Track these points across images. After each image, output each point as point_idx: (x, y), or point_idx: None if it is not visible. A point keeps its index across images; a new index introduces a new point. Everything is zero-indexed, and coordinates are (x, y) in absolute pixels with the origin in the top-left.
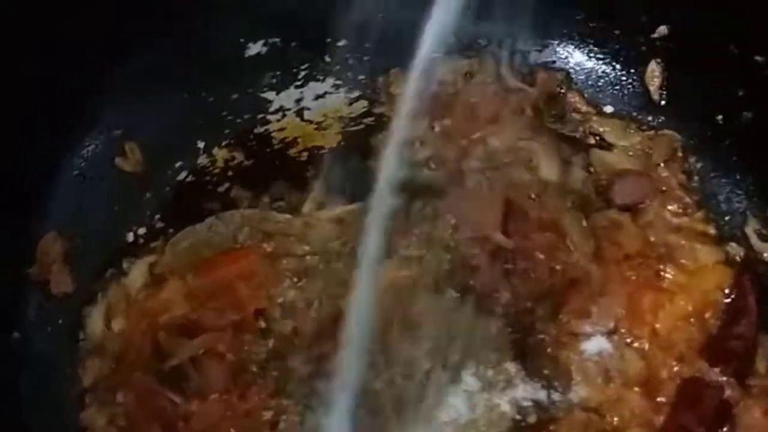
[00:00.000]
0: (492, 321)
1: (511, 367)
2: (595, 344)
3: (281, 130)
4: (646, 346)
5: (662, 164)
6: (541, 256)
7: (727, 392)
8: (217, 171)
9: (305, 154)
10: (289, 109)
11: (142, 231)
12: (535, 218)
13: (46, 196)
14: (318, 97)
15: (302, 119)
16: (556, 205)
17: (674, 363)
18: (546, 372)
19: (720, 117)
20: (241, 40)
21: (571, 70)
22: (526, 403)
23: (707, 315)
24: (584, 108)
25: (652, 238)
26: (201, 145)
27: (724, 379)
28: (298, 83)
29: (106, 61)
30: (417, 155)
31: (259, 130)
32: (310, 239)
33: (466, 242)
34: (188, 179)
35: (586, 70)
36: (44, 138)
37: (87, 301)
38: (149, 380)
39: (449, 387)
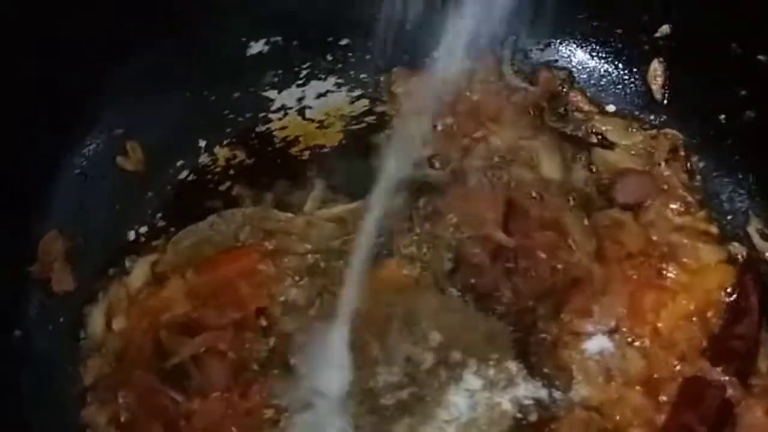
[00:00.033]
0: (493, 320)
1: (513, 365)
2: (597, 343)
3: (283, 128)
4: (648, 345)
5: (664, 163)
6: (543, 255)
7: (729, 392)
8: (218, 170)
9: (307, 152)
10: (290, 108)
11: (143, 230)
12: (537, 217)
13: (47, 195)
14: (320, 95)
15: (304, 118)
16: (557, 204)
17: (676, 362)
18: (547, 371)
19: (722, 116)
20: (243, 39)
21: (573, 69)
22: (527, 402)
23: (709, 314)
24: (586, 107)
25: (654, 237)
26: (202, 143)
27: (726, 378)
28: (300, 82)
29: (106, 61)
30: (419, 154)
31: (261, 128)
32: (312, 238)
33: (468, 241)
34: (190, 178)
35: (588, 69)
36: (45, 137)
37: (88, 300)
38: (150, 379)
39: (450, 385)
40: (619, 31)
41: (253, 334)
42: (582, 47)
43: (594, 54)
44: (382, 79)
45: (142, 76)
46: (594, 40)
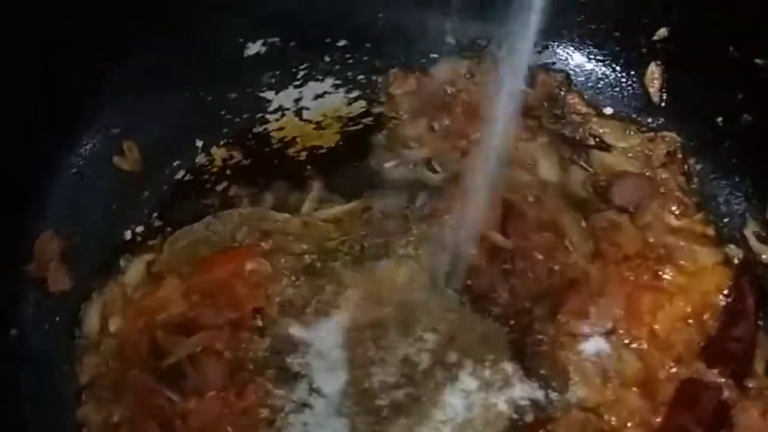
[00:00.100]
0: (490, 321)
1: (509, 366)
2: (594, 345)
3: (280, 129)
4: (645, 347)
5: (662, 166)
6: (540, 257)
7: (725, 393)
8: (215, 170)
9: (304, 153)
10: (288, 109)
11: (140, 229)
12: (534, 218)
13: (43, 194)
14: (317, 96)
15: (301, 119)
16: (555, 206)
17: (672, 364)
18: (543, 372)
19: (719, 119)
20: (241, 39)
21: (571, 72)
22: (523, 403)
23: (706, 316)
24: (584, 109)
25: (651, 239)
26: (199, 144)
27: (722, 380)
28: (297, 83)
29: (105, 61)
30: (416, 155)
31: (258, 129)
32: (308, 238)
33: (465, 242)
34: (186, 178)
35: (586, 72)
36: (43, 137)
37: (84, 299)
38: (146, 378)
39: (446, 386)
40: (617, 33)
41: (250, 334)
42: (579, 50)
43: (591, 56)
44: (379, 80)
45: (142, 76)
46: (591, 43)
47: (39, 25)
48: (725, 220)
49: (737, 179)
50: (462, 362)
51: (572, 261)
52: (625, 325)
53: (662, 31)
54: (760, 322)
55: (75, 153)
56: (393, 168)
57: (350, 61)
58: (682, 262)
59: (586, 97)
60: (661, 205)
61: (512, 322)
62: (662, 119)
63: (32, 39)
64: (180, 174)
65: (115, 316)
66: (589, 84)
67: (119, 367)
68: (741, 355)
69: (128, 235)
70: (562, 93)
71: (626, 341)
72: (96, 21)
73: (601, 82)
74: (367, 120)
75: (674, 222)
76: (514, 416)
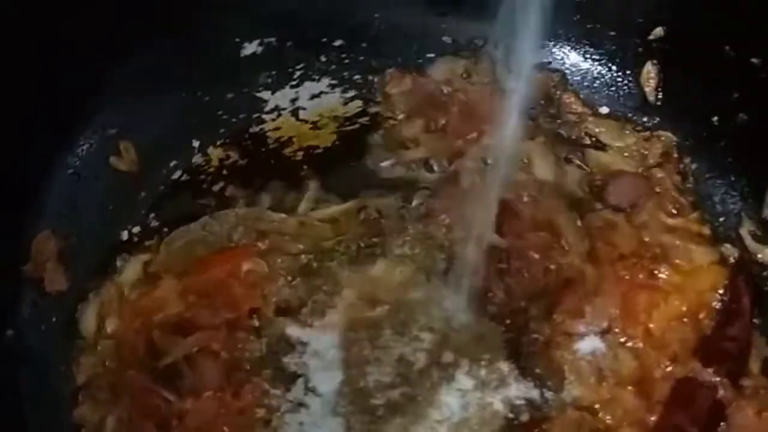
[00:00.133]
0: (485, 320)
1: (505, 366)
2: (589, 344)
3: (276, 129)
4: (640, 346)
5: (657, 165)
6: (536, 256)
7: (721, 392)
8: (211, 170)
9: (300, 153)
10: (284, 109)
11: (136, 230)
12: (530, 218)
13: (40, 194)
14: (313, 96)
15: (297, 119)
16: (550, 205)
17: (668, 363)
18: (539, 371)
19: (715, 118)
20: (237, 39)
21: (566, 71)
22: (518, 402)
23: (701, 315)
24: (580, 109)
25: (646, 239)
26: (196, 144)
27: (718, 379)
28: (294, 83)
29: (105, 61)
30: (413, 155)
31: (255, 129)
32: (305, 238)
33: (461, 241)
34: (183, 178)
35: (581, 71)
36: (41, 137)
37: (81, 299)
38: (143, 378)
39: (442, 385)
40: (613, 33)
41: (246, 334)
42: (575, 49)
43: (587, 56)
44: (375, 80)
45: (141, 76)
46: (587, 42)
47: (39, 25)
48: (721, 219)
49: (733, 178)
50: (458, 362)
51: (568, 260)
52: (620, 324)
53: (658, 31)
54: (756, 321)
55: (72, 153)
56: (389, 168)
57: (346, 61)
58: (677, 261)
59: (582, 96)
60: (657, 204)
61: (508, 322)
62: (658, 118)
63: (32, 39)
64: (176, 174)
65: (112, 316)
66: (585, 83)
67: (116, 368)
68: (736, 354)
69: (125, 235)
70: (558, 92)
71: (622, 340)
72: (96, 21)
73: (597, 82)
74: (364, 120)
75: (670, 221)
76: (510, 415)
